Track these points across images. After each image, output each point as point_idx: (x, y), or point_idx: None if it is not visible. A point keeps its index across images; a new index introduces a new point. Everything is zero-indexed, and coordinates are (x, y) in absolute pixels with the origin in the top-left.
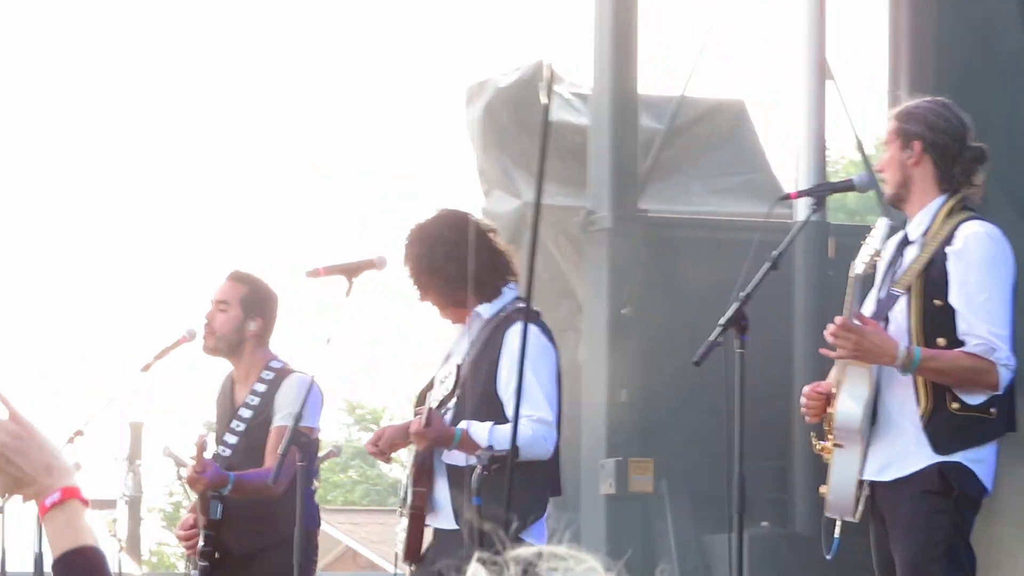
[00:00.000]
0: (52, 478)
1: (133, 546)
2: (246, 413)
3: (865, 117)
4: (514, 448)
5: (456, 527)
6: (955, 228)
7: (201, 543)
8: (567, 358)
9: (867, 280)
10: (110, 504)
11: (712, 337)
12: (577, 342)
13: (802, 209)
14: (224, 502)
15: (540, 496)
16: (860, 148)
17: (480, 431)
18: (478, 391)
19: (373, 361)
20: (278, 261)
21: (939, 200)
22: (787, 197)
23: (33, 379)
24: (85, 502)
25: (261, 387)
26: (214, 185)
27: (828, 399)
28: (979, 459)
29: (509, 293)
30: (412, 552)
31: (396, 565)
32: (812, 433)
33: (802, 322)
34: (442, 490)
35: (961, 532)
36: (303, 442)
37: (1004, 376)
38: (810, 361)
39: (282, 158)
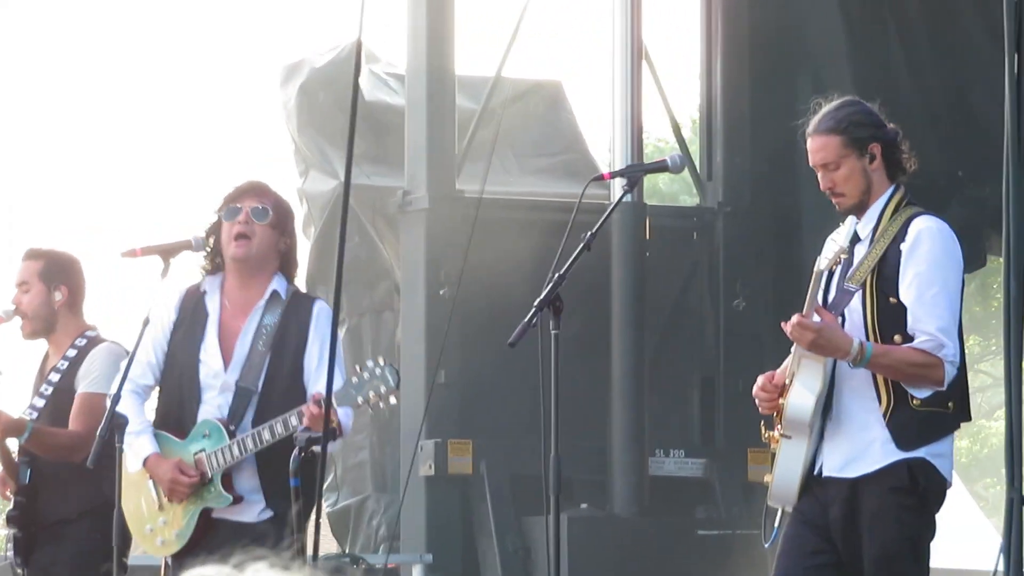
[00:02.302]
0: None
1: None
2: (54, 377)
3: (680, 99)
4: (327, 433)
5: (253, 520)
6: (906, 224)
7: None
8: (385, 339)
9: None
10: None
11: (527, 319)
12: (395, 323)
13: (617, 190)
14: (32, 467)
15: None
16: (676, 130)
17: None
18: (287, 365)
19: None
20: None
21: (887, 194)
22: (600, 178)
23: None
24: None
25: (72, 352)
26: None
27: (782, 391)
28: (940, 453)
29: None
30: None
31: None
32: (762, 422)
33: (619, 302)
34: (249, 479)
35: (928, 528)
36: (121, 423)
37: (949, 373)
38: (628, 340)
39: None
